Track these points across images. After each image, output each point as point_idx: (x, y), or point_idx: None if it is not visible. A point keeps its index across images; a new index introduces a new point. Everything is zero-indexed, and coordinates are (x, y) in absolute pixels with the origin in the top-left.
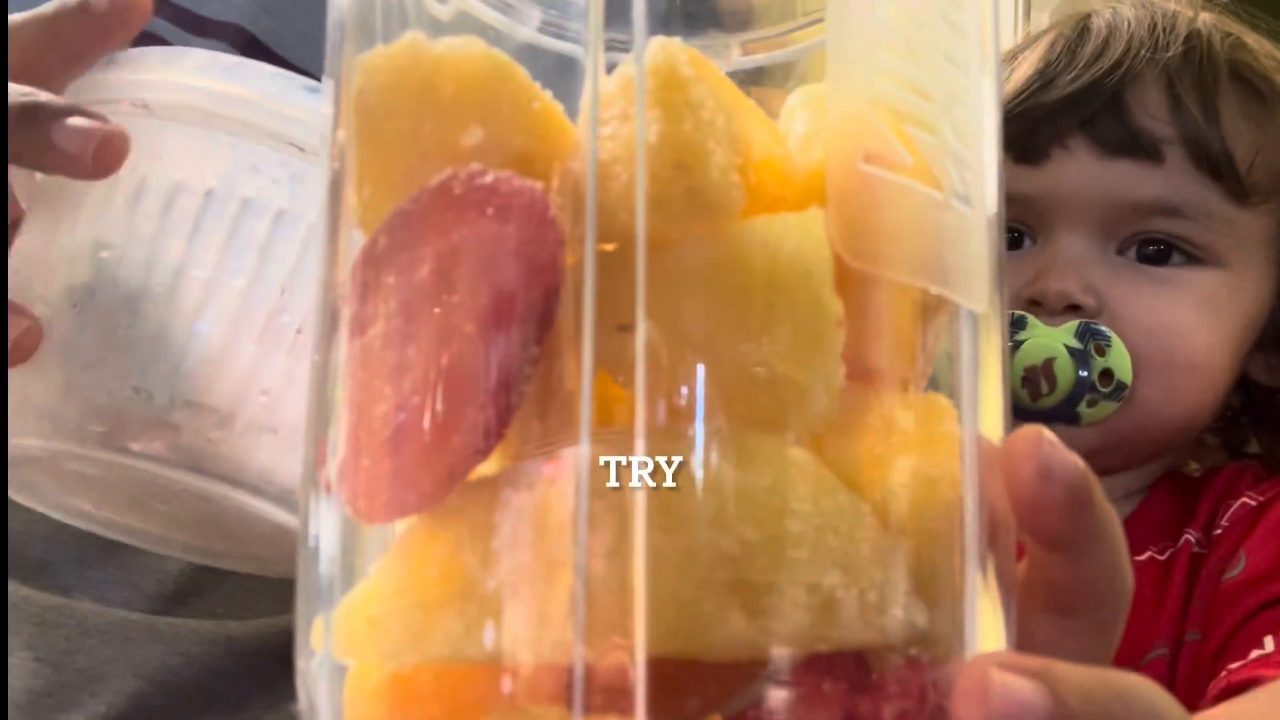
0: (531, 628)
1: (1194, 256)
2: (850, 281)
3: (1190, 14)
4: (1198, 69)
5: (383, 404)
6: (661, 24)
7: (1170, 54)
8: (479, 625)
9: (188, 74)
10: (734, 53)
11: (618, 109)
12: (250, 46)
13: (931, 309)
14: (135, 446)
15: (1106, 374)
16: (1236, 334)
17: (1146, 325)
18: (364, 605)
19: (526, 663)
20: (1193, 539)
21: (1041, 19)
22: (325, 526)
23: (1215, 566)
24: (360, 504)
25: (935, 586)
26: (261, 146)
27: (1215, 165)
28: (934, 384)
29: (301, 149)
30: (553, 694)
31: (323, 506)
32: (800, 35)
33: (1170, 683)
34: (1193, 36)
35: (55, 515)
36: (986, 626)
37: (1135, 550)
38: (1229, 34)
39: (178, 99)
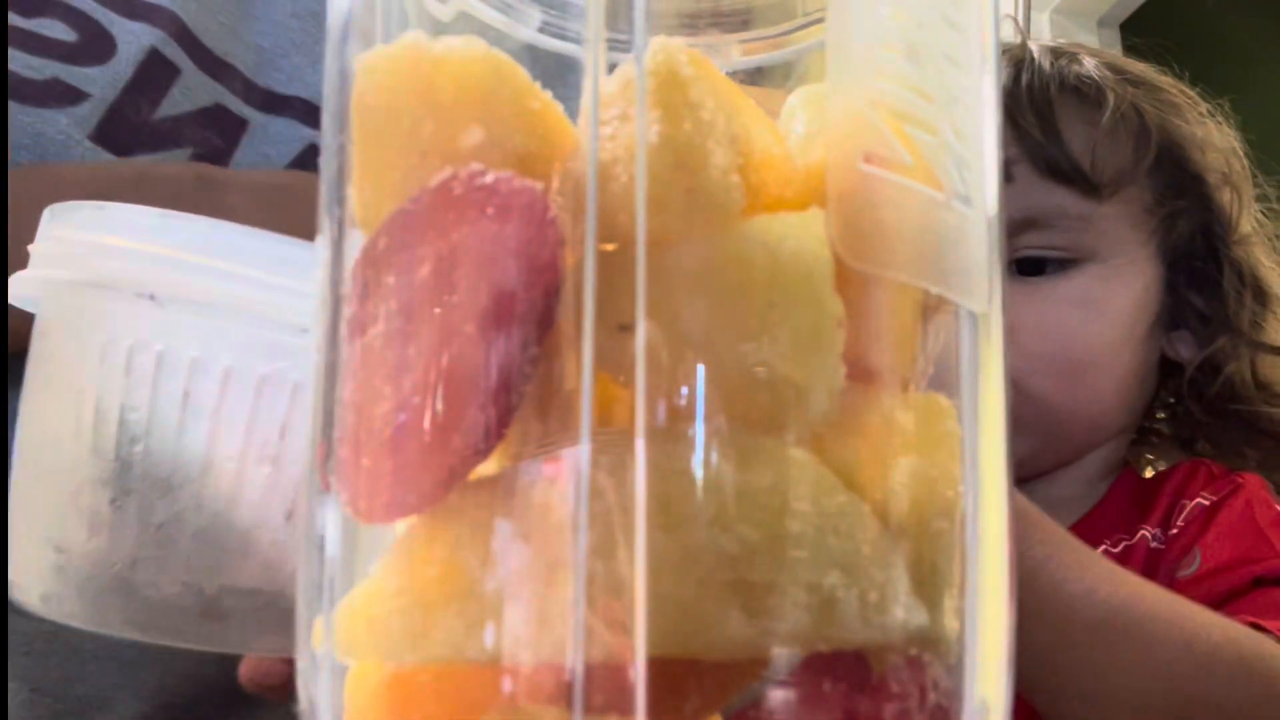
0: (531, 628)
1: (1064, 260)
2: (850, 281)
3: (1018, 41)
4: (1029, 91)
5: (383, 404)
6: (661, 24)
7: (1003, 84)
8: (479, 625)
9: (190, 251)
10: (734, 53)
11: (618, 109)
12: (182, 34)
13: (931, 309)
14: (184, 635)
15: None
16: (1124, 319)
17: (1035, 332)
18: (364, 605)
19: (526, 663)
20: (1149, 535)
21: (1041, 19)
22: (326, 527)
23: (1170, 564)
24: (360, 504)
25: (935, 586)
26: (271, 321)
27: (1060, 170)
28: (934, 384)
29: (306, 329)
30: (553, 694)
31: (323, 507)
32: (800, 35)
33: None
34: (1021, 64)
35: None
36: (987, 626)
37: (1090, 545)
38: (1061, 54)
39: (182, 286)
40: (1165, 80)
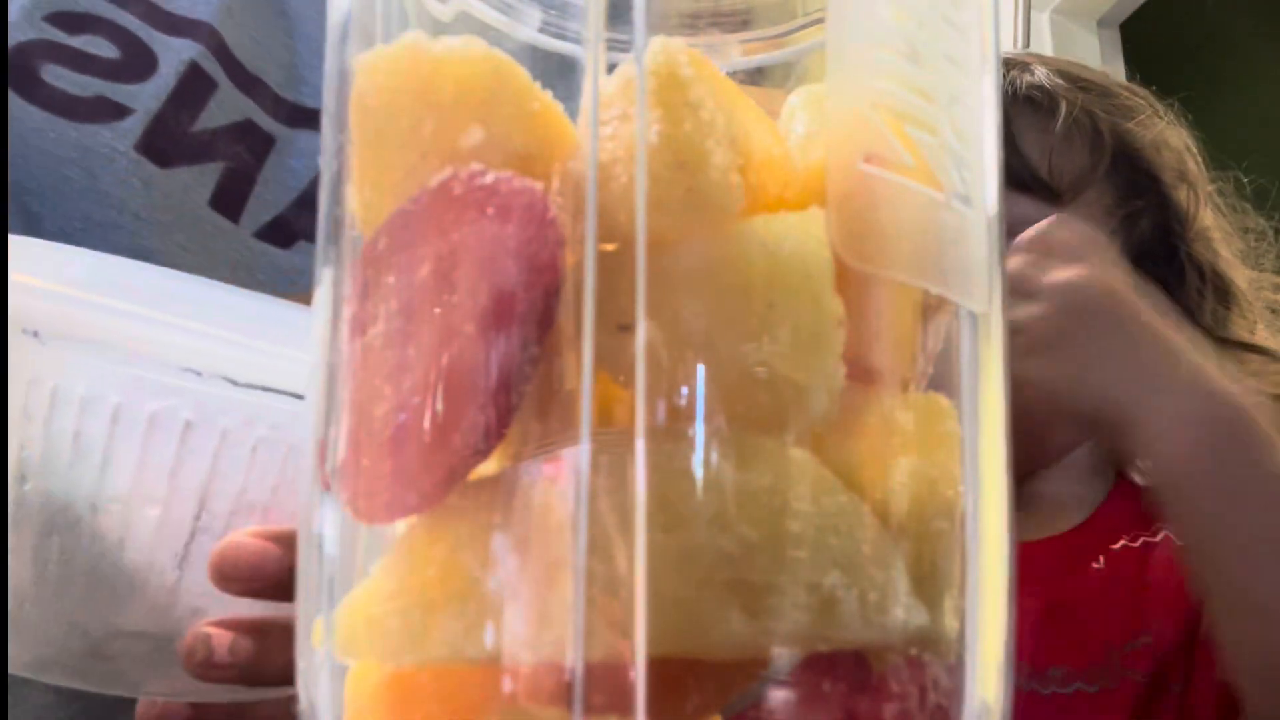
0: (531, 628)
1: None
2: (850, 281)
3: None
4: None
5: (383, 404)
6: (661, 24)
7: None
8: (479, 625)
9: (75, 285)
10: (734, 53)
11: (618, 109)
12: (220, 49)
13: (931, 309)
14: (72, 676)
15: None
16: None
17: None
18: (364, 605)
19: (526, 663)
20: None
21: (1041, 19)
22: (326, 526)
23: None
24: (360, 504)
25: (935, 586)
26: (159, 358)
27: (1021, 180)
28: (934, 384)
29: (195, 368)
30: (553, 694)
31: (323, 507)
32: (800, 35)
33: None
34: None
35: None
36: (987, 626)
37: (1108, 541)
38: (1013, 65)
39: (67, 321)
40: (1117, 84)
